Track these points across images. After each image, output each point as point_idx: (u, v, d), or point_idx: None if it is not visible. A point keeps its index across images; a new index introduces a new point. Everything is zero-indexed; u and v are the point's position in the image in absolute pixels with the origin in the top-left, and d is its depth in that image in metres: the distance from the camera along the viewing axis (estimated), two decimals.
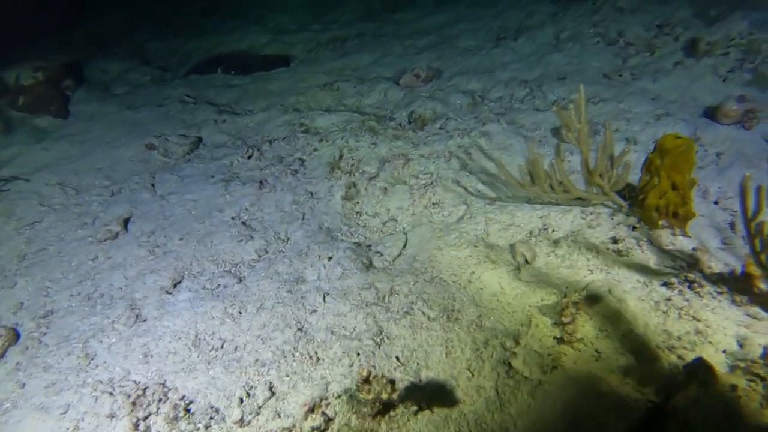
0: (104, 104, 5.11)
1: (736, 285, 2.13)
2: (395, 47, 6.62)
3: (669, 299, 2.16)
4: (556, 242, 2.74)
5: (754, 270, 2.05)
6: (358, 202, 3.36)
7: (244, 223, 3.29)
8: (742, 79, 4.36)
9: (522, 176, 2.91)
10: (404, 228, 3.10)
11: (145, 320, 2.65)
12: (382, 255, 2.89)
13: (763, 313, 2.00)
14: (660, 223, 2.67)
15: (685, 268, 2.40)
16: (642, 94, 4.51)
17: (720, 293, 2.13)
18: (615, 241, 2.60)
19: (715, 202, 3.13)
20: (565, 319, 2.19)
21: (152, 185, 3.80)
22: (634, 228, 2.68)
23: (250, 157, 4.04)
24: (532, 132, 4.13)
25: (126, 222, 3.40)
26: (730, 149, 3.57)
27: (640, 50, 5.21)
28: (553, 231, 2.85)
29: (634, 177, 3.26)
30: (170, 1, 9.19)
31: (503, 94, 4.89)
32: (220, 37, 7.80)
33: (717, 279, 2.21)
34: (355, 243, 2.99)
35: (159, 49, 7.49)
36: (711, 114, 3.91)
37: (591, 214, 2.91)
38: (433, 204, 3.24)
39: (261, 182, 3.60)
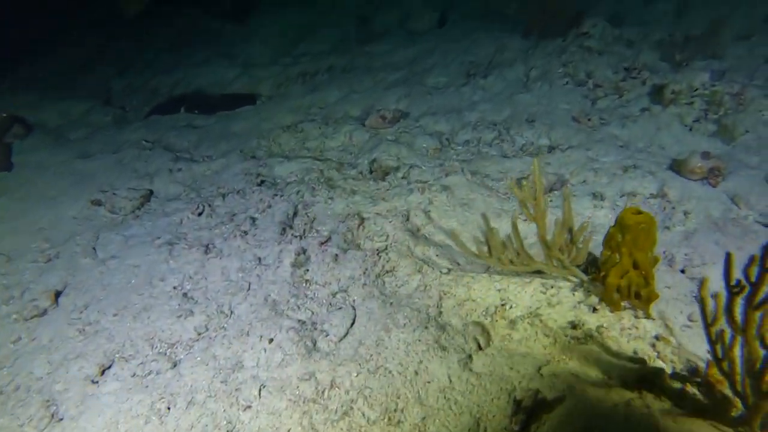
0: (55, 152, 4.87)
1: (698, 389, 1.96)
2: (365, 82, 6.49)
3: (628, 404, 1.98)
4: (513, 323, 2.56)
5: (716, 377, 1.88)
6: (308, 270, 3.15)
7: (185, 295, 3.06)
8: (706, 130, 4.27)
9: (478, 246, 2.74)
10: (354, 301, 2.89)
11: (60, 420, 2.40)
12: (327, 335, 2.68)
13: (725, 427, 1.82)
14: (622, 304, 2.50)
15: (645, 362, 2.22)
16: (610, 141, 4.41)
17: (682, 398, 1.95)
18: (574, 326, 2.42)
19: (682, 271, 2.98)
20: (515, 426, 2.00)
21: (93, 248, 3.56)
22: (594, 309, 2.51)
23: (200, 214, 3.82)
24: (498, 182, 3.98)
25: (58, 295, 3.15)
26: (696, 209, 3.45)
27: (609, 92, 5.13)
28: (511, 308, 2.67)
29: (600, 237, 3.11)
30: (138, 34, 9.01)
31: (471, 138, 4.75)
32: (187, 72, 7.61)
33: (679, 379, 2.04)
34: (299, 321, 2.78)
35: (124, 86, 7.28)
36: (677, 168, 3.79)
37: (552, 287, 2.74)
38: (387, 272, 3.04)
39: (207, 246, 3.38)
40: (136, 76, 7.59)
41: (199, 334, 2.80)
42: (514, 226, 2.60)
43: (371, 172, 4.15)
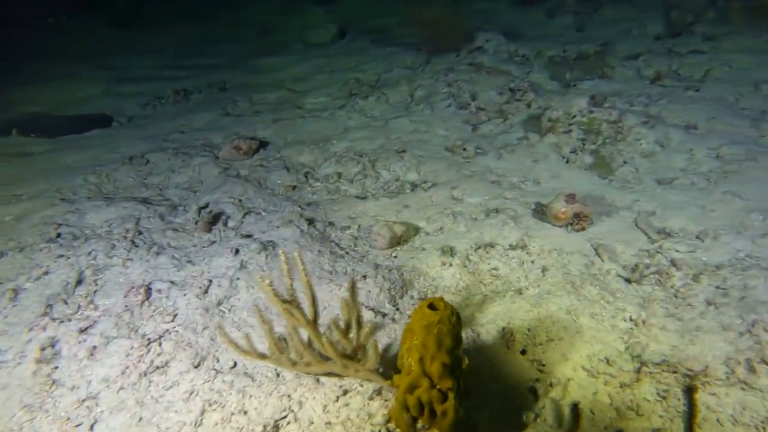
0: None
1: None
2: (241, 103, 5.80)
3: None
4: None
5: None
6: (56, 367, 2.42)
7: None
8: (583, 163, 3.84)
9: (248, 345, 2.10)
10: (99, 414, 2.20)
11: None
12: None
13: None
14: (418, 424, 1.92)
15: None
16: (482, 175, 3.90)
17: None
18: None
19: (523, 352, 2.45)
20: None
21: None
22: None
23: None
24: (343, 232, 3.38)
25: None
26: (556, 264, 2.95)
27: (492, 116, 4.66)
28: (289, 424, 2.04)
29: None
30: (5, 40, 7.94)
31: (332, 172, 4.15)
32: (46, 86, 6.67)
33: None
34: None
35: None
36: (543, 211, 3.31)
37: (346, 392, 2.13)
38: (156, 368, 2.36)
39: None
40: None
41: None
42: (290, 325, 1.98)
43: (196, 222, 3.46)
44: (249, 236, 3.24)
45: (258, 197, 3.86)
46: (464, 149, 4.20)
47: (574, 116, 3.97)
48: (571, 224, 3.17)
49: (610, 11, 6.68)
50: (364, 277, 2.84)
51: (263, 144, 4.59)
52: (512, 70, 5.20)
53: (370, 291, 2.75)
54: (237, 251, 3.03)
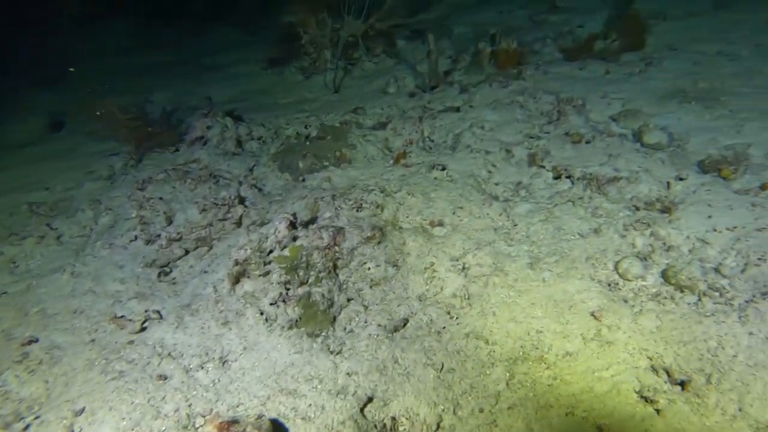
0: None
1: None
2: None
3: None
4: None
5: None
6: None
7: None
8: (288, 318, 2.66)
9: None
10: None
11: None
12: None
13: None
14: None
15: None
16: (143, 368, 2.58)
17: None
18: None
19: None
20: None
21: None
22: None
23: None
24: None
25: None
26: None
27: (190, 248, 3.35)
28: None
29: None
30: None
31: None
32: None
33: None
34: None
35: None
36: None
37: None
38: None
39: None
40: None
41: None
42: None
43: None
44: None
45: None
46: (130, 320, 2.81)
47: (271, 251, 2.79)
48: None
49: (369, 64, 5.88)
50: None
51: None
52: (231, 167, 3.99)
53: None
54: None
